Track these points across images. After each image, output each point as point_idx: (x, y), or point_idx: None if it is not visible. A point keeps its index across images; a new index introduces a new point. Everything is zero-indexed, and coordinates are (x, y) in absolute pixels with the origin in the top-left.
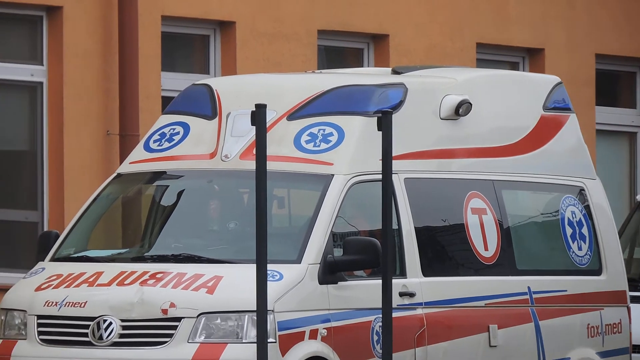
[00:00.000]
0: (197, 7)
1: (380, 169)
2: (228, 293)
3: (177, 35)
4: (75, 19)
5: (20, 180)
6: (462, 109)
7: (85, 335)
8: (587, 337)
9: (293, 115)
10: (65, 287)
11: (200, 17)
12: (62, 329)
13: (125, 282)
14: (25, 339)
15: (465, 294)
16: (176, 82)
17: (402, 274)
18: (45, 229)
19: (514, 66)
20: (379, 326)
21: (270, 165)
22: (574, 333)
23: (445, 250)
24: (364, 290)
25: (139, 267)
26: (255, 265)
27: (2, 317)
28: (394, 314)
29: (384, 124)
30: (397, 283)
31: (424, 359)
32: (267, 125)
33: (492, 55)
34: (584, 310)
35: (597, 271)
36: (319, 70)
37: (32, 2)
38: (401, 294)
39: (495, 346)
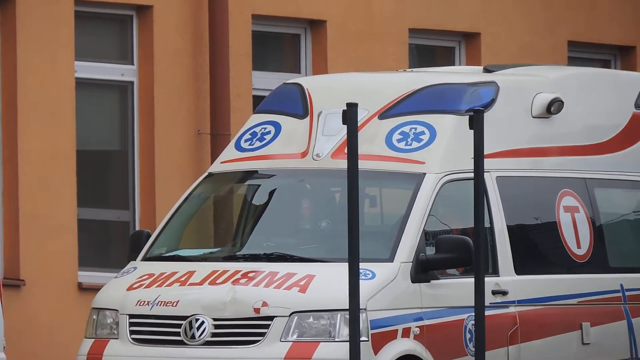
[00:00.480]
0: (287, 5)
1: (472, 168)
2: (320, 292)
3: (268, 34)
4: (165, 18)
5: (112, 180)
6: (553, 107)
7: (177, 334)
8: None
9: (384, 114)
10: (157, 287)
11: (291, 16)
12: (154, 328)
13: (217, 282)
14: (117, 339)
15: (557, 292)
16: (267, 81)
17: (495, 272)
18: (137, 228)
19: (605, 64)
20: (472, 324)
21: (362, 164)
22: None
23: (538, 248)
24: (456, 289)
25: (231, 266)
26: (347, 264)
27: (94, 317)
28: (487, 312)
29: (476, 122)
30: (489, 281)
31: (517, 357)
32: (359, 124)
33: (584, 53)
34: None
35: None
36: (410, 69)
37: (123, 2)
38: (494, 292)
39: (588, 344)
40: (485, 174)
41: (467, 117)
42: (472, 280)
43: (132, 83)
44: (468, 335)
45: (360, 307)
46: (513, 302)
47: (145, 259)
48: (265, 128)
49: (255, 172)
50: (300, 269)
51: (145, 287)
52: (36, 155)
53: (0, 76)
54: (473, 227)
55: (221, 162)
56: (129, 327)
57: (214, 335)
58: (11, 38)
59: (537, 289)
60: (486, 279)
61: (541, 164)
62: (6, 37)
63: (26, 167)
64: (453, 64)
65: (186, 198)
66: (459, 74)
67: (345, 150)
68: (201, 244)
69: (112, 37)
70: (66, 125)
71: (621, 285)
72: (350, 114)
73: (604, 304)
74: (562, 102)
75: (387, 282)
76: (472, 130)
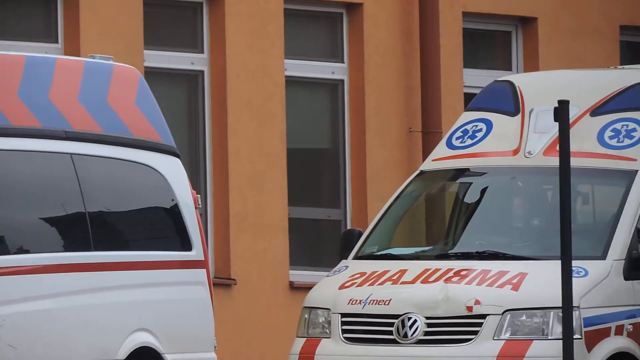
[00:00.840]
0: (498, 3)
1: None
2: (533, 290)
3: (479, 31)
4: (375, 16)
5: (323, 179)
6: None
7: (390, 333)
8: None
9: (596, 111)
10: (369, 285)
11: (502, 14)
12: (366, 327)
13: (429, 280)
14: (329, 337)
15: None
16: (478, 78)
17: None
18: (348, 227)
19: None
20: None
21: (574, 162)
22: None
23: None
24: None
25: (443, 264)
26: (559, 261)
27: (306, 316)
28: None
29: None
30: None
31: None
32: (570, 122)
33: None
34: None
35: None
36: (622, 67)
37: (333, 0)
38: None
39: None
40: None
41: None
42: None
43: (342, 81)
44: None
45: (574, 305)
46: None
47: (356, 257)
48: (476, 126)
49: (467, 169)
50: (512, 267)
51: (357, 286)
52: (246, 154)
53: (209, 75)
54: None
55: (432, 160)
56: (341, 326)
57: (426, 333)
58: (220, 36)
59: None
60: None
61: None
62: (215, 35)
63: (236, 166)
64: None
65: (398, 196)
66: None
67: (557, 148)
68: (413, 242)
69: (322, 35)
70: (276, 123)
71: None
72: (561, 112)
73: None
74: None
75: (599, 280)
76: None
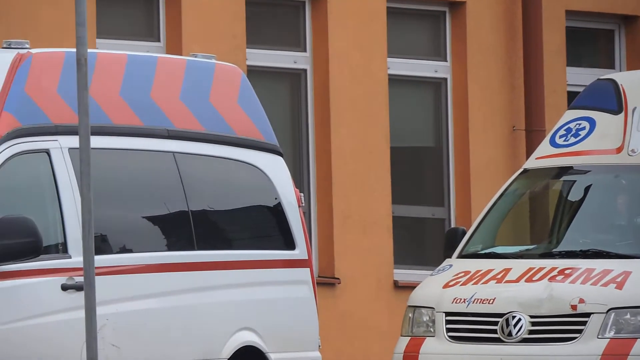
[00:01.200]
0: (601, 1)
1: None
2: (638, 288)
3: (582, 29)
4: (478, 14)
5: (427, 177)
6: None
7: (494, 331)
8: None
9: None
10: (473, 284)
11: (605, 12)
12: (470, 326)
13: (533, 279)
14: (433, 336)
15: None
16: (581, 77)
17: None
18: (452, 225)
19: None
20: None
21: None
22: None
23: None
24: None
25: (547, 263)
26: None
27: (410, 315)
28: None
29: None
30: None
31: None
32: None
33: None
34: None
35: None
36: None
37: None
38: None
39: None
40: None
41: None
42: None
43: (445, 80)
44: None
45: None
46: None
47: (460, 256)
48: (579, 124)
49: (571, 167)
50: (616, 265)
51: (461, 285)
52: (349, 152)
53: (312, 74)
54: None
55: (536, 158)
56: (446, 324)
57: (530, 332)
58: (323, 35)
59: None
60: None
61: None
62: (318, 34)
63: (339, 164)
64: None
65: (501, 194)
66: None
67: None
68: (516, 241)
69: (424, 34)
70: (379, 121)
71: None
72: None
73: None
74: None
75: None
76: None
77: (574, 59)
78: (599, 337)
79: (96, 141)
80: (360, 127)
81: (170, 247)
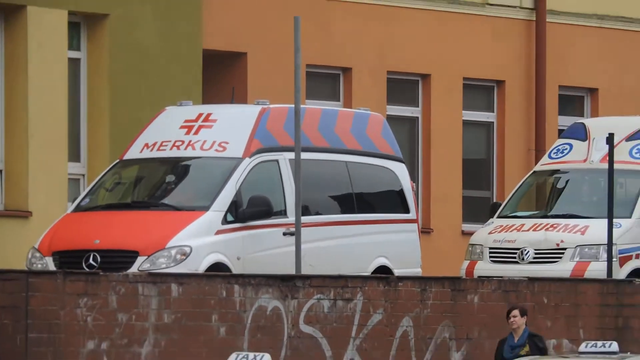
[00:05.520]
0: (577, 77)
1: None
2: (592, 234)
3: (565, 96)
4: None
5: (481, 176)
6: None
7: (515, 258)
8: None
9: (628, 138)
10: (504, 232)
11: (579, 86)
12: (502, 254)
13: (537, 229)
14: (482, 260)
15: None
16: (567, 121)
17: None
18: (494, 200)
19: None
20: None
21: (616, 166)
22: None
23: None
24: None
25: (545, 221)
26: (607, 219)
27: (470, 248)
28: None
29: None
30: None
31: None
32: (615, 144)
33: None
34: None
35: None
36: None
37: None
38: None
39: None
40: None
41: None
42: None
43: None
44: None
45: (613, 243)
46: None
47: (498, 217)
48: (564, 146)
49: (559, 170)
50: (581, 222)
51: (498, 232)
52: (442, 164)
53: (422, 120)
54: None
55: (540, 165)
56: (489, 254)
57: (534, 258)
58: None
59: None
60: None
61: None
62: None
63: (434, 169)
64: None
65: (521, 184)
66: None
67: (607, 158)
68: (529, 208)
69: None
70: (454, 144)
71: None
72: (610, 139)
73: None
74: None
75: (627, 229)
76: None
77: (563, 112)
78: (571, 261)
79: (304, 155)
80: (447, 148)
81: (342, 211)
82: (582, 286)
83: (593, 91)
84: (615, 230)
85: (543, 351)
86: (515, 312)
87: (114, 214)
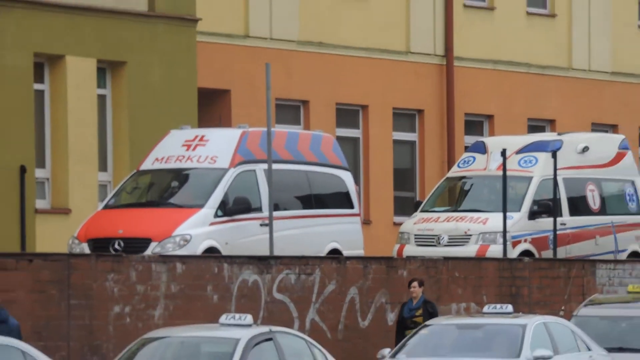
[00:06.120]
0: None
1: (552, 173)
2: (492, 224)
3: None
4: None
5: (408, 182)
6: (584, 149)
7: (433, 241)
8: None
9: (518, 152)
10: (425, 223)
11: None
12: (424, 239)
13: (449, 220)
14: (409, 244)
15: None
16: (471, 139)
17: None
18: (417, 199)
19: None
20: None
21: (508, 173)
22: None
23: (576, 204)
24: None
25: (455, 214)
26: (502, 213)
27: (400, 235)
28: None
29: (554, 155)
30: None
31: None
32: (508, 156)
33: None
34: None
35: None
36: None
37: None
38: None
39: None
40: (558, 176)
41: (551, 153)
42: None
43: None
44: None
45: (507, 230)
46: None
47: (421, 211)
48: (469, 158)
49: (465, 176)
50: (482, 215)
51: (421, 223)
52: (378, 171)
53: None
54: None
55: (452, 172)
56: (415, 239)
57: (448, 242)
58: None
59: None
60: None
61: (580, 173)
62: None
63: (372, 176)
64: None
65: (438, 186)
66: (548, 135)
67: (501, 167)
68: (443, 205)
69: None
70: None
71: (611, 221)
72: (504, 153)
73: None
74: (588, 147)
75: (517, 220)
76: (552, 158)
77: (467, 132)
78: (475, 244)
79: (274, 166)
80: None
81: (304, 208)
82: (484, 263)
83: (490, 117)
84: (508, 221)
85: (433, 315)
86: (415, 283)
87: (133, 210)
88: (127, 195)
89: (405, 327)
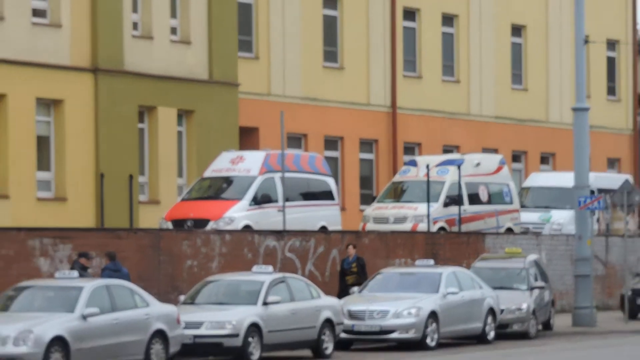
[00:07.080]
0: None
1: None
2: (417, 209)
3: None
4: None
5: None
6: (478, 164)
7: (387, 221)
8: None
9: (437, 165)
10: (379, 210)
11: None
12: (377, 217)
13: (394, 208)
14: (370, 222)
15: None
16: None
17: None
18: (374, 195)
19: None
20: None
21: (431, 178)
22: None
23: None
24: None
25: (397, 204)
26: (426, 203)
27: (364, 217)
28: None
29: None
30: None
31: None
32: (431, 168)
33: None
34: None
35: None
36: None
37: None
38: None
39: None
40: (462, 181)
41: (457, 166)
42: None
43: None
44: None
45: (430, 214)
46: None
47: (377, 202)
48: (407, 169)
49: (403, 181)
50: (416, 205)
51: (376, 210)
52: (350, 174)
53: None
54: None
55: (396, 178)
56: (373, 220)
57: (394, 222)
58: None
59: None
60: None
61: (475, 179)
62: None
63: (346, 176)
64: None
65: (387, 187)
66: (455, 155)
67: (426, 175)
68: (390, 198)
69: None
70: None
71: (495, 209)
72: (427, 166)
73: None
74: (480, 162)
75: (435, 208)
76: (458, 170)
77: (406, 154)
78: (410, 223)
79: (286, 175)
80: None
81: (304, 200)
82: (416, 235)
83: (419, 144)
84: (430, 209)
85: (362, 266)
86: (350, 246)
87: (199, 202)
88: (195, 192)
89: (344, 275)
